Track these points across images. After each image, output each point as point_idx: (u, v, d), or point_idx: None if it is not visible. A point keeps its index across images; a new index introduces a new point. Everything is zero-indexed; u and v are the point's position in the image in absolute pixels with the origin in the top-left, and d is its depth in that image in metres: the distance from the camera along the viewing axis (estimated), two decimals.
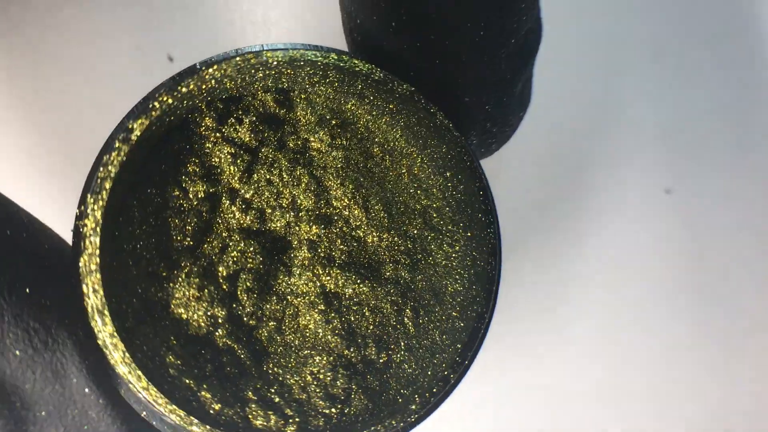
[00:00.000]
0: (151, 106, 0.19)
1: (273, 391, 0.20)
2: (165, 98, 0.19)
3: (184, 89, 0.19)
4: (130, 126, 0.19)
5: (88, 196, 0.18)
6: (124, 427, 0.20)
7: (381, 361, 0.21)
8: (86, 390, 0.19)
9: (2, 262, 0.18)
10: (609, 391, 0.36)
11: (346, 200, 0.22)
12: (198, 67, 0.20)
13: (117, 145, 0.19)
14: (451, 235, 0.22)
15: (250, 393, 0.20)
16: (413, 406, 0.20)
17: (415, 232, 0.22)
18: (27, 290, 0.18)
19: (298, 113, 0.22)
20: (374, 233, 0.22)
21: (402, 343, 0.21)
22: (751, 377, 0.37)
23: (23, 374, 0.18)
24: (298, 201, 0.21)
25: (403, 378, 0.21)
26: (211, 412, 0.19)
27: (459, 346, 0.21)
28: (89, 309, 0.18)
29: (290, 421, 0.20)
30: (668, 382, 0.36)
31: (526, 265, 0.36)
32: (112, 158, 0.19)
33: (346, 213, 0.22)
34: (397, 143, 0.22)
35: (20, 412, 0.19)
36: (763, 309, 0.36)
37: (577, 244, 0.36)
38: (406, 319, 0.22)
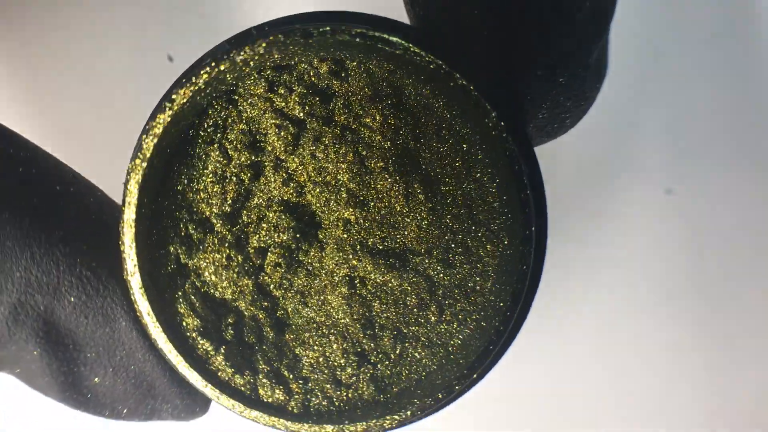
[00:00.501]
0: (200, 72, 0.19)
1: (285, 364, 0.21)
2: (214, 65, 0.19)
3: (237, 57, 0.19)
4: (178, 92, 0.19)
5: (135, 153, 0.19)
6: (168, 367, 0.21)
7: (395, 353, 0.21)
8: (134, 333, 0.21)
9: (55, 215, 0.20)
10: (608, 393, 0.36)
11: (388, 184, 0.21)
12: (254, 33, 0.20)
13: (164, 106, 0.19)
14: (496, 235, 0.21)
15: (262, 363, 0.21)
16: (413, 407, 0.20)
17: (456, 225, 0.21)
18: (79, 241, 0.20)
19: (353, 86, 0.20)
20: (413, 222, 0.21)
21: (421, 339, 0.21)
22: (751, 378, 0.37)
23: (77, 319, 0.20)
24: (340, 179, 0.21)
25: (414, 375, 0.21)
26: (224, 377, 0.20)
27: (473, 357, 0.20)
28: (124, 262, 0.20)
29: (294, 396, 0.21)
30: (668, 383, 0.36)
31: None
32: (157, 121, 0.19)
33: (387, 198, 0.21)
34: (453, 131, 0.21)
35: (72, 354, 0.21)
36: (764, 310, 0.36)
37: (577, 245, 0.36)
38: (429, 314, 0.21)
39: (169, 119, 0.19)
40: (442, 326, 0.21)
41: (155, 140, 0.19)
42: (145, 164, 0.19)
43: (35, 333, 0.20)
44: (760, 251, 0.36)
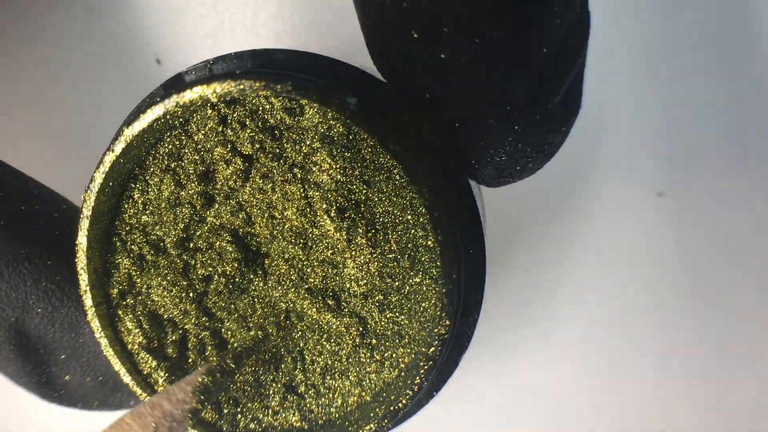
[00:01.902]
0: (153, 105, 0.20)
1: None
2: (167, 100, 0.20)
3: (184, 99, 0.20)
4: (142, 114, 0.20)
5: (94, 173, 0.20)
6: None
7: (324, 387, 0.22)
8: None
9: (21, 235, 0.22)
10: (601, 397, 0.36)
11: (331, 226, 0.21)
12: (210, 70, 0.21)
13: (122, 133, 0.20)
14: (436, 281, 0.21)
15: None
16: None
17: (397, 271, 0.21)
18: (43, 258, 0.22)
19: (306, 123, 0.20)
20: (353, 264, 0.21)
21: (350, 377, 0.22)
22: (744, 383, 0.36)
23: (45, 327, 0.22)
24: (287, 215, 0.21)
25: (341, 409, 0.22)
26: (161, 391, 0.21)
27: (400, 398, 0.21)
28: (78, 280, 0.21)
29: (225, 416, 0.22)
30: (660, 387, 0.36)
31: (516, 269, 0.36)
32: (116, 145, 0.20)
33: (330, 239, 0.21)
34: (402, 177, 0.20)
35: (44, 357, 0.23)
36: (757, 313, 0.36)
37: (568, 248, 0.36)
38: (361, 355, 0.22)
39: (120, 152, 0.20)
40: (372, 366, 0.22)
41: (106, 171, 0.20)
42: (95, 192, 0.20)
43: (8, 341, 0.22)
44: (753, 254, 0.36)
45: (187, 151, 0.21)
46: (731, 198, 0.35)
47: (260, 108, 0.20)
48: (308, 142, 0.20)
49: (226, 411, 0.22)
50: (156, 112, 0.19)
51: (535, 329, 0.36)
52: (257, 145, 0.20)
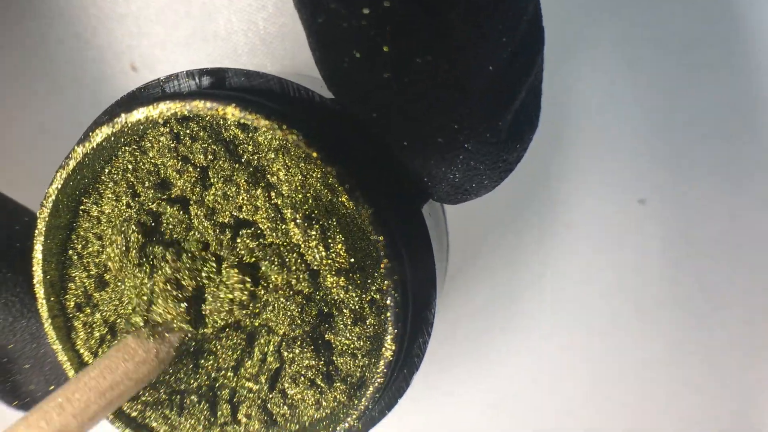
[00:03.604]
0: (102, 124, 0.20)
1: (175, 403, 0.22)
2: (116, 120, 0.20)
3: (131, 120, 0.20)
4: (91, 134, 0.20)
5: (48, 188, 0.21)
6: None
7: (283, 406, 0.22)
8: None
9: None
10: (581, 410, 0.36)
11: (297, 228, 0.20)
12: (160, 91, 0.21)
13: (74, 151, 0.20)
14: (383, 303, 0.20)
15: (149, 397, 0.22)
16: None
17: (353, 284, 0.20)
18: (2, 270, 0.22)
19: (260, 138, 0.20)
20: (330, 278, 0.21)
21: (309, 396, 0.21)
22: (728, 392, 0.36)
23: (6, 337, 0.23)
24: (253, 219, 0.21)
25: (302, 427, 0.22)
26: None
27: (347, 423, 0.21)
28: (35, 288, 0.22)
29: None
30: (643, 399, 0.36)
31: (495, 279, 0.36)
32: (68, 162, 0.20)
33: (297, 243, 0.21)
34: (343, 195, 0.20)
35: (7, 366, 0.23)
36: (740, 321, 0.36)
37: (548, 256, 0.35)
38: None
39: (71, 169, 0.20)
40: (324, 386, 0.21)
41: (58, 187, 0.21)
42: (49, 208, 0.21)
43: None
44: (735, 262, 0.35)
45: (142, 165, 0.21)
46: (714, 205, 0.35)
47: (213, 123, 0.20)
48: (264, 154, 0.20)
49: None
50: (104, 131, 0.20)
51: (516, 338, 0.36)
52: (210, 156, 0.21)
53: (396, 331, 0.20)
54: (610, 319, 0.36)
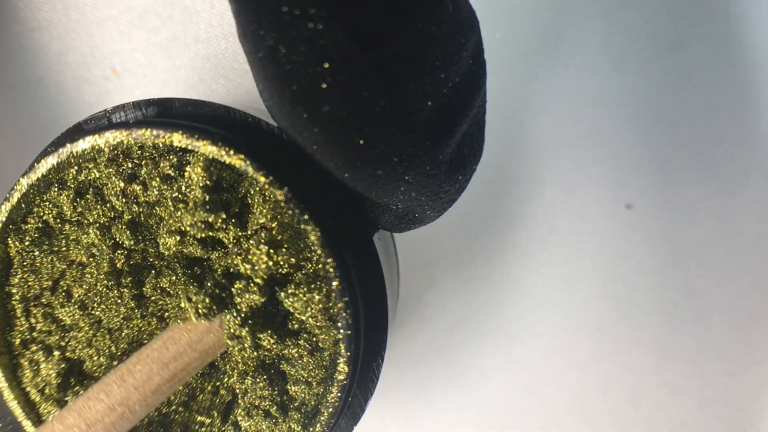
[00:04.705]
0: (47, 154, 0.20)
1: None
2: (61, 150, 0.20)
3: (77, 149, 0.20)
4: (31, 168, 0.20)
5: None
6: None
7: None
8: None
9: None
10: (566, 415, 0.35)
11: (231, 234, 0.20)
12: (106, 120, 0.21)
13: (18, 183, 0.20)
14: (335, 327, 0.20)
15: None
16: None
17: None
18: None
19: (191, 172, 0.20)
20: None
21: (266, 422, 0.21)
22: (716, 397, 0.36)
23: None
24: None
25: None
26: None
27: None
28: None
29: None
30: (629, 405, 0.36)
31: (478, 286, 0.35)
32: (12, 195, 0.20)
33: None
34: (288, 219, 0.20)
35: None
36: (728, 326, 0.35)
37: (533, 262, 0.35)
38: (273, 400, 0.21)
39: (16, 202, 0.20)
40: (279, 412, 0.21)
41: (3, 220, 0.20)
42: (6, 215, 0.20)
43: None
44: (723, 267, 0.35)
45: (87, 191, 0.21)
46: (701, 209, 0.34)
47: (155, 155, 0.20)
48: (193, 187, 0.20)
49: None
50: (50, 161, 0.20)
51: (500, 344, 0.36)
52: (153, 181, 0.20)
53: (348, 353, 0.19)
54: (597, 325, 0.35)
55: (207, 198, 0.19)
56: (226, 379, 0.21)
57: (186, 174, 0.19)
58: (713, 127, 0.34)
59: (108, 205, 0.20)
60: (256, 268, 0.19)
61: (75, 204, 0.20)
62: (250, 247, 0.19)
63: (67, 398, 0.21)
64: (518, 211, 0.35)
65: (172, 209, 0.20)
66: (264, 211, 0.19)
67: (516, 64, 0.34)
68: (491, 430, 0.36)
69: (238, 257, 0.19)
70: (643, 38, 0.33)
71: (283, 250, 0.19)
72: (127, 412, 0.18)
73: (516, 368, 0.35)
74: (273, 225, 0.19)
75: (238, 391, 0.21)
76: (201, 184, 0.19)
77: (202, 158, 0.19)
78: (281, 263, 0.19)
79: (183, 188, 0.19)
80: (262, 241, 0.19)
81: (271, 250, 0.19)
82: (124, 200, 0.20)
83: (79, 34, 0.32)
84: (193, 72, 0.32)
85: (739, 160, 0.34)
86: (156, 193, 0.20)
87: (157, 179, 0.20)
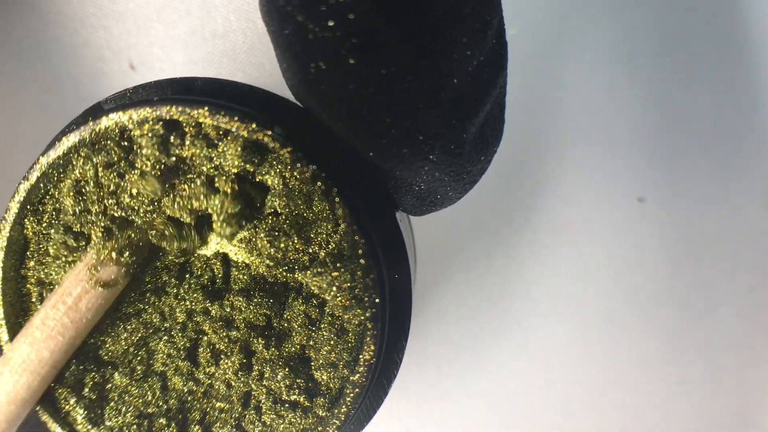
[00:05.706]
0: (68, 132, 0.19)
1: (135, 424, 0.21)
2: (83, 127, 0.19)
3: (100, 126, 0.19)
4: (52, 146, 0.20)
5: (10, 202, 0.20)
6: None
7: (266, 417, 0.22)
8: None
9: None
10: (580, 407, 0.36)
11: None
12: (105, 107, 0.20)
13: (38, 161, 0.20)
14: (361, 307, 0.20)
15: (113, 420, 0.21)
16: None
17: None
18: None
19: (186, 153, 0.19)
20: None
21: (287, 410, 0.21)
22: (727, 389, 0.36)
23: None
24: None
25: None
26: (75, 427, 0.21)
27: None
28: None
29: None
30: (642, 396, 0.36)
31: (491, 279, 0.35)
32: (30, 173, 0.20)
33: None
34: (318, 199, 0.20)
35: None
36: (740, 319, 0.36)
37: (546, 255, 0.35)
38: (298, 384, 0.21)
39: (35, 180, 0.20)
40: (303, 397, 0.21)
41: (21, 200, 0.20)
42: (11, 222, 0.20)
43: None
44: (734, 260, 0.35)
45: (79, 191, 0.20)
46: (712, 202, 0.35)
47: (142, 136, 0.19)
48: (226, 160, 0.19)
49: None
50: (71, 139, 0.19)
51: (514, 337, 0.36)
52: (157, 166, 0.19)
53: (375, 332, 0.19)
54: (609, 318, 0.36)
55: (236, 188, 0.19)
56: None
57: (219, 149, 0.19)
58: (724, 121, 0.34)
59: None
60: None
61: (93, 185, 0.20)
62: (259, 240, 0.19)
63: (83, 385, 0.21)
64: (532, 205, 0.35)
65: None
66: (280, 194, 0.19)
67: (530, 59, 0.34)
68: (505, 420, 0.36)
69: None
70: (654, 34, 0.33)
71: (294, 239, 0.19)
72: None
73: (530, 360, 0.36)
74: (284, 212, 0.19)
75: (257, 388, 0.21)
76: (236, 163, 0.19)
77: (238, 138, 0.19)
78: (289, 249, 0.19)
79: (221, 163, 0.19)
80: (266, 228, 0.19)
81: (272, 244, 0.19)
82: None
83: (96, 28, 0.32)
84: (210, 66, 0.32)
85: (750, 154, 0.34)
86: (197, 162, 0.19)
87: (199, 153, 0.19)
